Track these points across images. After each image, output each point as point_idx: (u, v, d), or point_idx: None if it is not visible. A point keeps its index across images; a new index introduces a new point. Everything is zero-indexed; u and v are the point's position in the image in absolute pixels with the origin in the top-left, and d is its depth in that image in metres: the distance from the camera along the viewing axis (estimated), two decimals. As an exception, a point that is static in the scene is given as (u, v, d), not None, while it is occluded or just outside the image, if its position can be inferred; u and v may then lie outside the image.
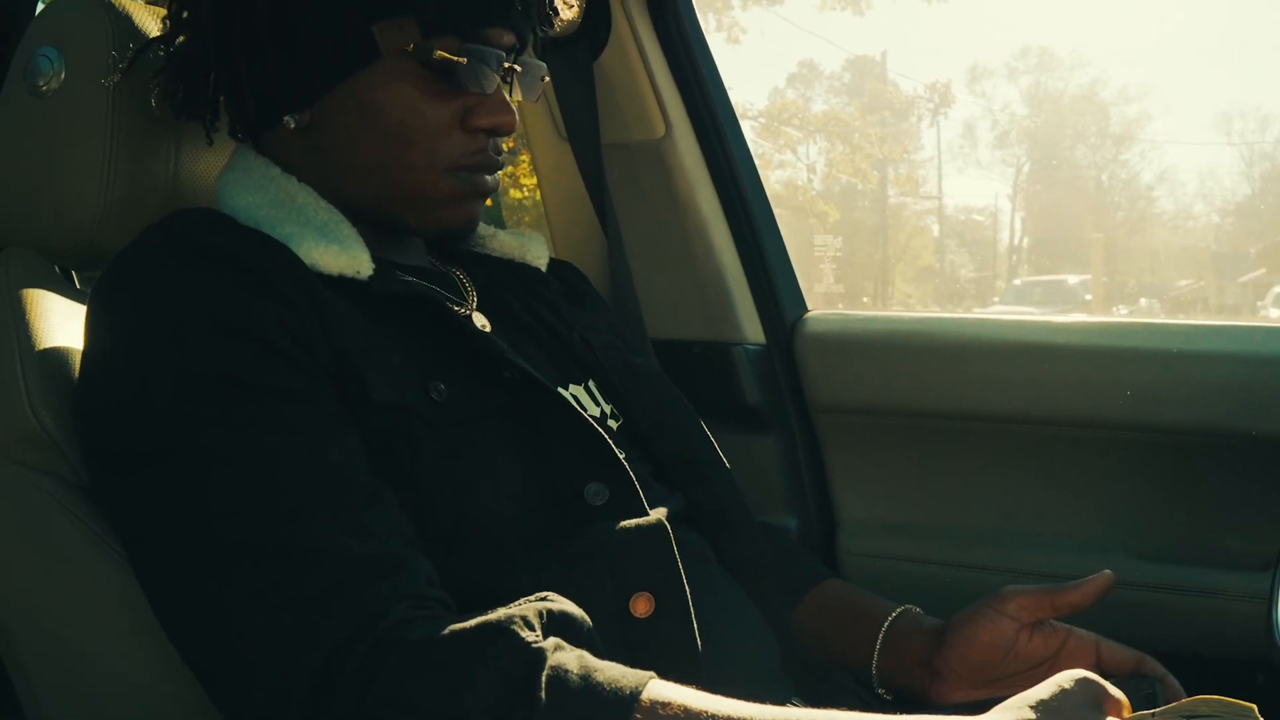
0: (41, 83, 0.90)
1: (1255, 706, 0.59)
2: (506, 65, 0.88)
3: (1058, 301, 16.59)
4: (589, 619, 0.72)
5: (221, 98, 0.88)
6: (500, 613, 0.67)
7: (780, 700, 0.69)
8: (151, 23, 0.92)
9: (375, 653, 0.66)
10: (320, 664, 0.66)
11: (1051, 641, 0.89)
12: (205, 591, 0.70)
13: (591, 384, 0.94)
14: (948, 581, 1.29)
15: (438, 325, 0.84)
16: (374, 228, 0.87)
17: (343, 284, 0.82)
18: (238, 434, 0.71)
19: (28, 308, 0.86)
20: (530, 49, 0.93)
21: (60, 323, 0.87)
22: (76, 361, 0.82)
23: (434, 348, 0.83)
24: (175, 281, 0.76)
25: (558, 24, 0.95)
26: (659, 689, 0.65)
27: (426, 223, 0.88)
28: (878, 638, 0.94)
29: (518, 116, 0.88)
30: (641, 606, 0.78)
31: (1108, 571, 0.88)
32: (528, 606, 0.68)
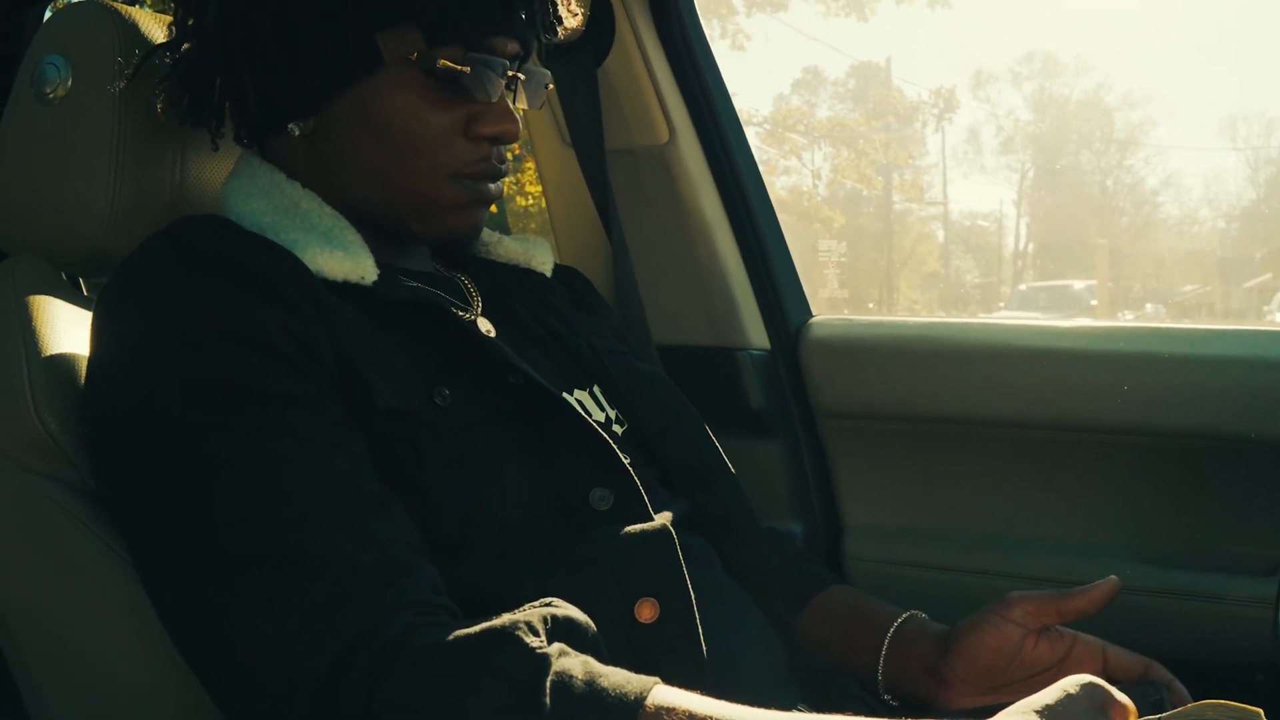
0: (48, 90, 0.91)
1: (1262, 711, 0.59)
2: (510, 73, 0.88)
3: (1063, 307, 16.57)
4: (594, 624, 0.72)
5: (227, 104, 0.88)
6: (505, 619, 0.67)
7: (785, 706, 0.69)
8: (157, 30, 0.92)
9: (380, 659, 0.66)
10: (325, 670, 0.66)
11: (1058, 647, 0.89)
12: (210, 598, 0.70)
13: (596, 389, 0.95)
14: (953, 587, 1.29)
15: (442, 331, 0.85)
16: (378, 234, 0.88)
17: (347, 290, 0.82)
18: (243, 440, 0.72)
19: (34, 314, 0.86)
20: (534, 56, 0.93)
21: (67, 329, 0.87)
22: (83, 368, 0.82)
23: (439, 353, 0.83)
24: (180, 288, 0.76)
25: (562, 31, 0.95)
26: (664, 694, 0.65)
27: (430, 229, 0.88)
28: (883, 643, 0.94)
29: (522, 123, 0.88)
30: (646, 612, 0.78)
31: (1114, 577, 0.88)
32: (532, 612, 0.68)
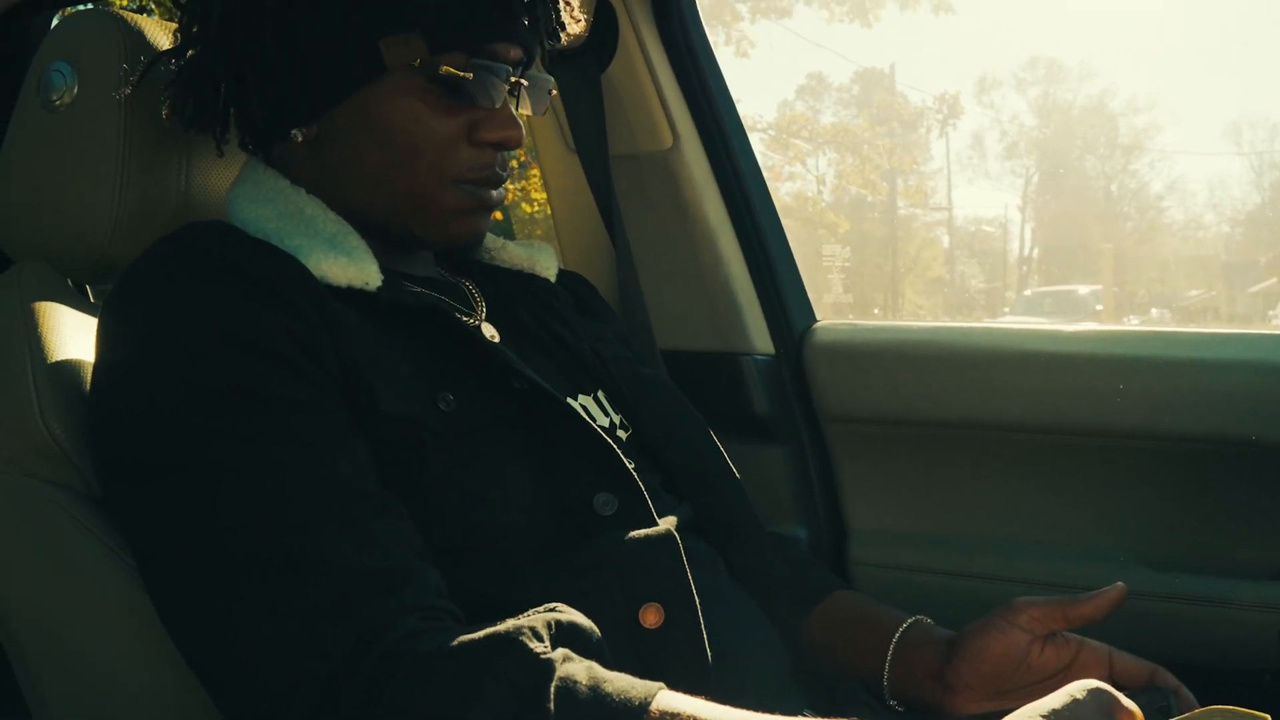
0: (55, 97, 0.91)
1: (1269, 716, 0.59)
2: (514, 79, 0.88)
3: (1068, 312, 16.55)
4: (598, 630, 0.71)
5: (231, 110, 0.88)
6: (509, 624, 0.67)
7: (791, 711, 0.68)
8: (163, 37, 0.93)
9: (384, 664, 0.66)
10: (328, 675, 0.66)
11: (1064, 653, 0.88)
12: (213, 602, 0.70)
13: (601, 394, 0.95)
14: (959, 592, 1.28)
15: (446, 336, 0.85)
16: (383, 239, 0.88)
17: (351, 295, 0.82)
18: (247, 446, 0.72)
19: (40, 321, 0.86)
20: (538, 62, 0.93)
21: (73, 335, 0.87)
22: (88, 374, 0.82)
23: (443, 358, 0.83)
24: (185, 293, 0.76)
25: (565, 37, 0.95)
26: (668, 699, 0.65)
27: (433, 234, 0.88)
28: (888, 649, 0.94)
29: (526, 129, 0.88)
30: (651, 617, 0.78)
31: (1121, 584, 0.87)
32: (536, 618, 0.68)
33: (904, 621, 0.95)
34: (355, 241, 0.84)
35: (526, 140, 0.89)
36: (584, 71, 1.34)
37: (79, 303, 0.92)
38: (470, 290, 0.96)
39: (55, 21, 1.37)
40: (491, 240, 1.01)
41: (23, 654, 0.86)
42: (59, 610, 0.84)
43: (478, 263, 1.01)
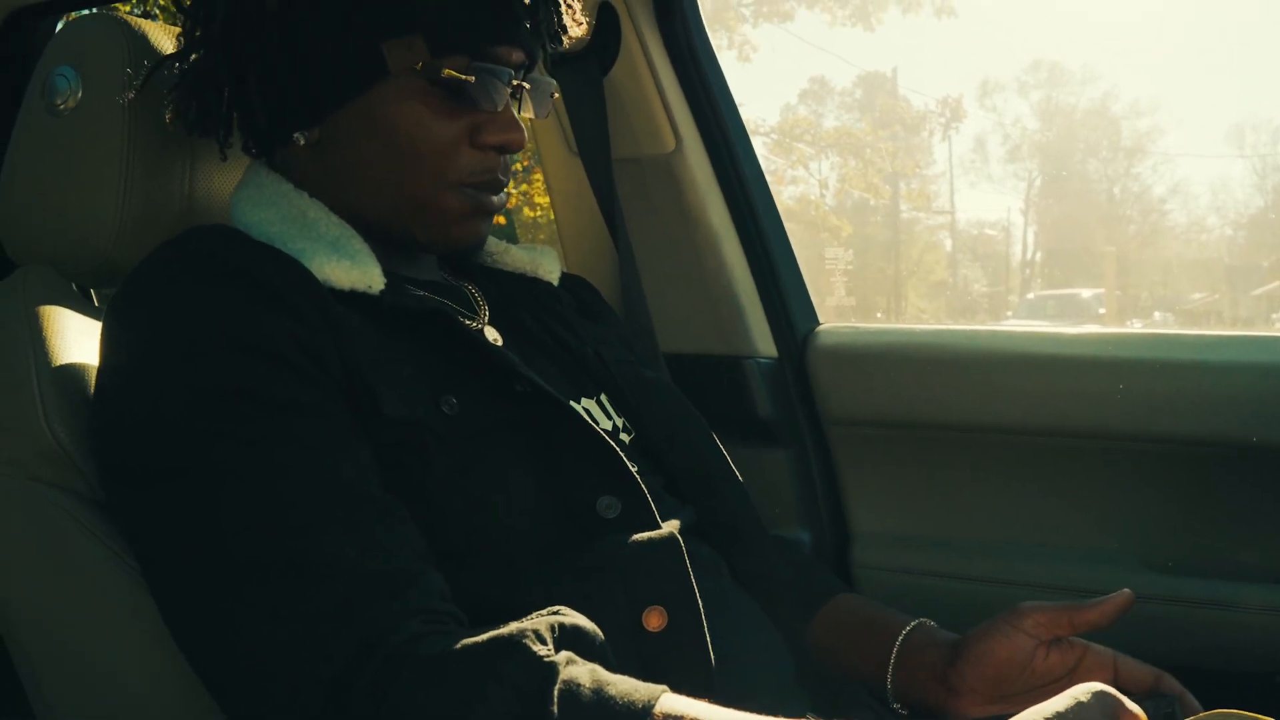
0: (59, 102, 0.91)
1: (1274, 720, 0.59)
2: (516, 82, 0.88)
3: (1071, 315, 16.55)
4: (601, 633, 0.71)
5: (234, 114, 0.88)
6: (512, 627, 0.67)
7: (795, 714, 0.68)
8: (167, 41, 0.93)
9: (387, 667, 0.66)
10: (332, 678, 0.66)
11: (1069, 658, 0.88)
12: (217, 606, 0.70)
13: (603, 397, 0.95)
14: (963, 594, 1.28)
15: (449, 339, 0.85)
16: (385, 243, 0.88)
17: (354, 299, 0.82)
18: (249, 449, 0.72)
19: (44, 325, 0.86)
20: (540, 65, 0.93)
21: (77, 339, 0.87)
22: (92, 378, 0.82)
23: (446, 362, 0.83)
24: (188, 297, 0.76)
25: (567, 40, 0.95)
26: (671, 702, 0.65)
27: (434, 237, 0.88)
28: (892, 652, 0.93)
29: (529, 132, 0.89)
30: (654, 620, 0.78)
31: (1127, 590, 0.87)
32: (540, 620, 0.68)
33: (907, 624, 0.94)
34: (358, 245, 0.84)
35: (529, 144, 0.89)
36: (586, 75, 1.34)
37: (83, 307, 0.92)
38: (473, 294, 0.96)
39: (60, 26, 1.37)
40: (494, 244, 1.01)
41: (26, 656, 0.86)
42: (62, 613, 0.84)
43: (480, 266, 1.01)
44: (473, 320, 0.92)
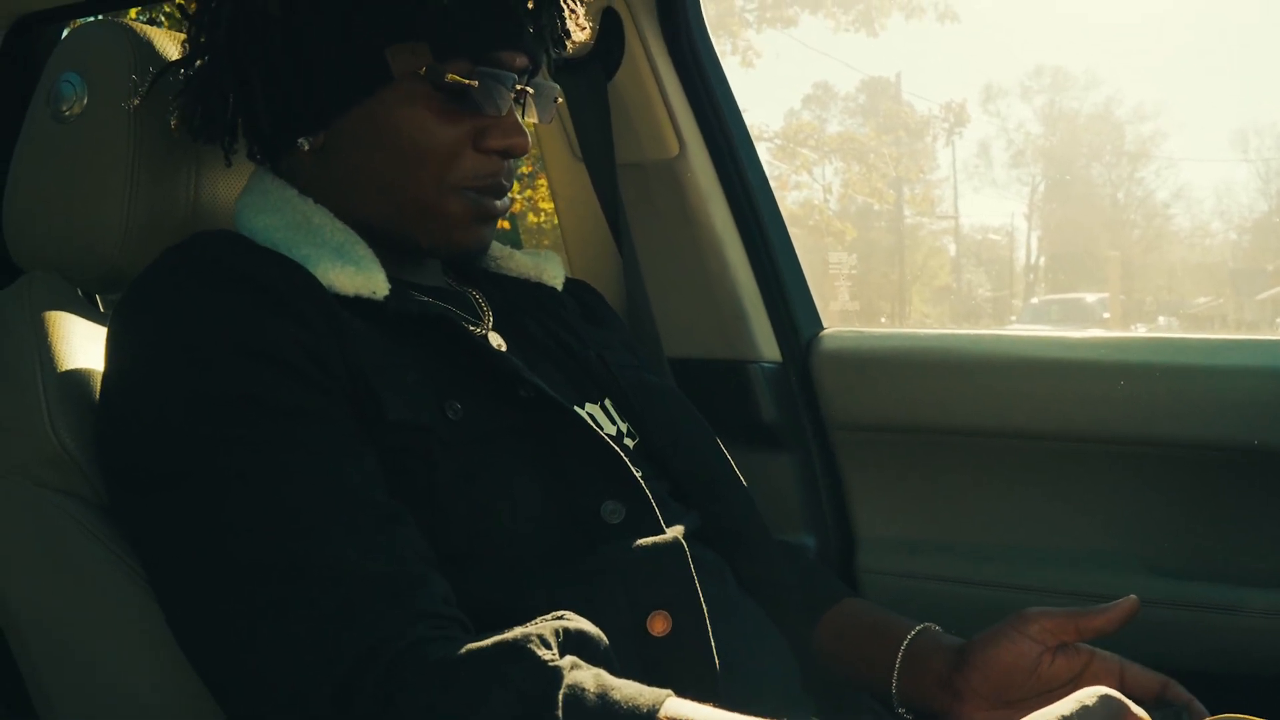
0: (65, 108, 0.91)
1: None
2: (519, 87, 0.88)
3: (1075, 320, 16.52)
4: (605, 637, 0.71)
5: (239, 120, 0.89)
6: (517, 631, 0.67)
7: (800, 719, 0.68)
8: (172, 47, 0.93)
9: (392, 672, 0.66)
10: (337, 683, 0.66)
11: (1074, 664, 0.88)
12: (221, 609, 0.70)
13: (608, 402, 0.95)
14: (968, 599, 1.28)
15: (454, 345, 0.85)
16: (390, 248, 0.88)
17: (359, 304, 0.82)
18: (254, 454, 0.72)
19: (50, 331, 0.87)
20: (544, 70, 0.93)
21: (82, 345, 0.87)
22: (98, 384, 0.83)
23: (450, 367, 0.83)
24: (193, 302, 0.76)
25: (571, 45, 0.96)
26: (676, 707, 0.65)
27: (438, 242, 0.88)
28: (897, 656, 0.93)
29: (533, 137, 0.89)
30: (658, 625, 0.78)
31: (1133, 596, 0.87)
32: (544, 625, 0.68)
33: (912, 629, 0.94)
34: (362, 251, 0.85)
35: (533, 149, 0.89)
36: (590, 80, 1.35)
37: (89, 312, 0.93)
38: (477, 299, 0.96)
39: (65, 33, 1.38)
40: (498, 249, 1.02)
41: (30, 659, 0.86)
42: (66, 616, 0.84)
43: (485, 272, 1.01)
44: (477, 326, 0.92)
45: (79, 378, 0.85)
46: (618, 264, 1.38)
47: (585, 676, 0.65)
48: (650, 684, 0.66)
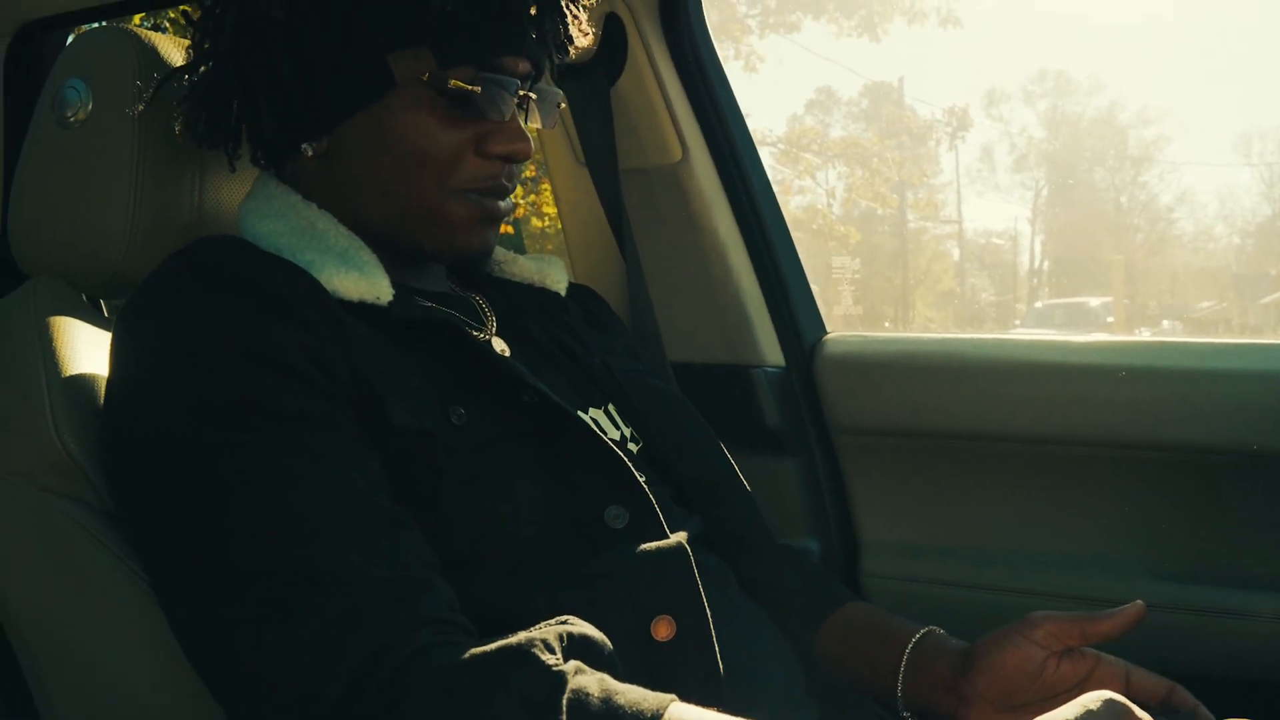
0: (69, 114, 0.92)
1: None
2: (522, 93, 0.88)
3: (1079, 324, 16.53)
4: (609, 642, 0.71)
5: (243, 126, 0.89)
6: (521, 636, 0.67)
7: (803, 723, 0.68)
8: (176, 54, 0.93)
9: (397, 677, 0.66)
10: (341, 688, 0.66)
11: (1080, 668, 0.87)
12: (224, 614, 0.70)
13: (611, 407, 0.95)
14: (972, 603, 1.28)
15: (457, 350, 0.85)
16: (394, 254, 0.88)
17: (363, 310, 0.82)
18: (258, 459, 0.72)
19: (54, 336, 0.87)
20: (547, 76, 0.94)
21: (87, 350, 0.88)
22: (102, 389, 0.83)
23: (454, 372, 0.83)
24: (197, 308, 0.77)
25: (574, 51, 0.96)
26: (680, 711, 0.65)
27: (441, 246, 0.89)
28: (901, 660, 0.93)
29: (536, 143, 0.89)
30: (662, 630, 0.78)
31: (1139, 601, 0.87)
32: (548, 630, 0.68)
33: (917, 632, 0.94)
34: (366, 256, 0.85)
35: (537, 154, 0.89)
36: (593, 85, 1.35)
37: (93, 318, 0.93)
38: (481, 304, 0.96)
39: (70, 39, 1.38)
40: (502, 254, 1.02)
41: (33, 662, 0.86)
42: (69, 620, 0.84)
43: (488, 277, 1.01)
44: (480, 331, 0.92)
45: (83, 383, 0.85)
46: (621, 269, 1.38)
47: (589, 681, 0.65)
48: (654, 689, 0.66)
